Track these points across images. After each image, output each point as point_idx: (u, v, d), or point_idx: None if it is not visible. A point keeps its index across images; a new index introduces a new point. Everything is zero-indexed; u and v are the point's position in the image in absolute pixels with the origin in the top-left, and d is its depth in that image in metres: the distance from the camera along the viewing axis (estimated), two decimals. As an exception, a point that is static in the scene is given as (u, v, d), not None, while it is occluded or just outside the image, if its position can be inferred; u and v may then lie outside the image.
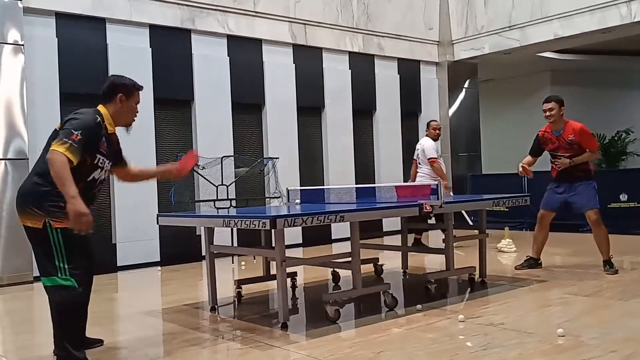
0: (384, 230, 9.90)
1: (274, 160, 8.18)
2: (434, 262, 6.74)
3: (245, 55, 8.81)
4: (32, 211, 3.29)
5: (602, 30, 9.53)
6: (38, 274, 6.07)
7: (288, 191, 6.04)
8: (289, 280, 5.18)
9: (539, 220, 6.06)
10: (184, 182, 7.82)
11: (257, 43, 8.98)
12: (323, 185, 9.13)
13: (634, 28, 9.44)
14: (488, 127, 13.32)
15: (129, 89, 3.61)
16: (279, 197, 7.79)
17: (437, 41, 11.43)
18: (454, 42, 11.40)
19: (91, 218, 3.17)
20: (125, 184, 7.53)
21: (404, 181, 9.58)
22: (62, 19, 7.29)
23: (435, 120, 8.49)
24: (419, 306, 4.57)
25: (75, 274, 3.32)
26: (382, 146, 10.49)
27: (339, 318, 4.25)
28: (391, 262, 6.48)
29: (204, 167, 7.60)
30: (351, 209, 4.43)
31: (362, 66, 10.27)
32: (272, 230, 4.04)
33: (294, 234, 8.41)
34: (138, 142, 7.54)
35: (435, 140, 8.13)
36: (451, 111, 11.48)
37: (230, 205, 7.90)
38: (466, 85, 11.78)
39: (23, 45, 6.87)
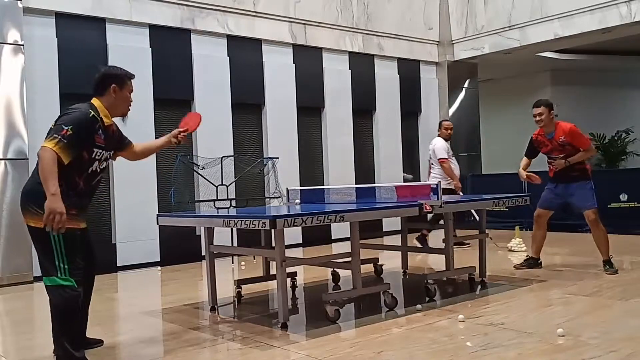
0: (384, 230, 9.90)
1: (274, 160, 8.18)
2: (434, 262, 6.74)
3: (245, 55, 8.81)
4: (34, 210, 3.28)
5: (602, 30, 9.54)
6: (38, 274, 6.07)
7: (288, 191, 6.04)
8: (289, 280, 5.18)
9: (536, 219, 6.08)
10: (183, 182, 7.83)
11: (257, 43, 8.98)
12: (323, 185, 9.13)
13: (634, 28, 9.44)
14: (488, 127, 13.32)
15: (121, 78, 3.60)
16: (279, 197, 7.79)
17: (437, 41, 11.43)
18: (453, 42, 11.40)
19: (65, 218, 3.16)
20: (124, 184, 7.58)
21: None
22: (62, 19, 7.29)
23: (447, 120, 8.49)
24: (419, 306, 4.57)
25: (75, 274, 3.32)
26: (382, 146, 10.49)
27: (339, 318, 4.25)
28: (391, 262, 6.47)
29: (204, 167, 7.61)
30: (351, 209, 4.42)
31: (362, 66, 10.27)
32: (272, 230, 4.04)
33: (294, 234, 8.41)
34: (138, 142, 7.56)
35: (447, 140, 8.14)
36: (451, 111, 11.47)
37: (230, 205, 7.90)
38: (466, 85, 11.78)
39: (23, 45, 6.87)
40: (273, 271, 4.72)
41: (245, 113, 8.91)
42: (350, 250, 4.55)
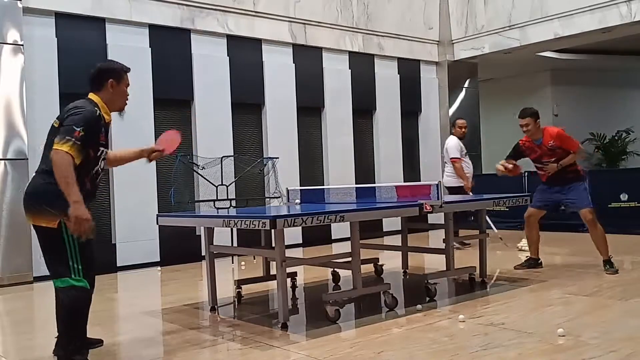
0: (384, 230, 9.90)
1: (274, 160, 8.18)
2: (434, 262, 6.73)
3: (245, 55, 8.80)
4: (48, 211, 3.22)
5: (602, 30, 9.53)
6: (38, 274, 6.08)
7: (288, 191, 6.03)
8: (289, 280, 5.17)
9: (527, 219, 6.09)
10: (183, 182, 7.83)
11: (257, 43, 8.98)
12: (323, 185, 9.13)
13: (634, 27, 9.44)
14: (488, 127, 13.32)
15: (118, 73, 3.56)
16: (279, 197, 7.79)
17: (437, 41, 11.43)
18: (454, 41, 11.40)
19: (93, 224, 3.16)
20: (124, 184, 7.57)
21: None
22: (62, 19, 7.28)
23: (461, 119, 8.46)
24: (419, 306, 4.56)
25: (87, 274, 3.31)
26: (382, 146, 10.48)
27: (339, 318, 4.25)
28: (391, 262, 6.47)
29: (203, 167, 7.61)
30: (351, 209, 4.42)
31: (362, 66, 10.26)
32: (272, 230, 4.04)
33: (294, 234, 8.41)
34: (138, 142, 7.52)
35: (461, 138, 8.13)
36: (451, 111, 11.47)
37: (230, 205, 7.90)
38: (466, 84, 11.77)
39: (22, 45, 6.86)
40: (273, 271, 4.72)
41: (245, 113, 8.91)
42: (350, 250, 4.55)
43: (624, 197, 9.19)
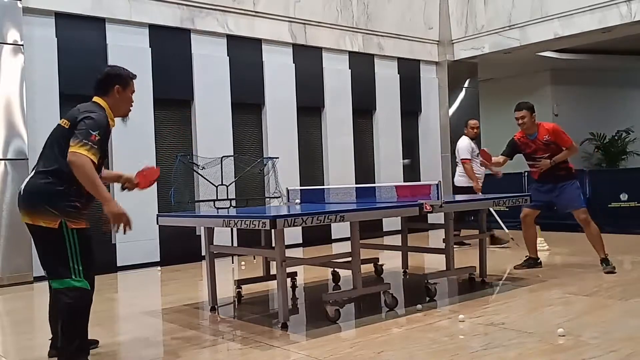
0: (384, 230, 9.90)
1: (274, 160, 8.18)
2: (434, 262, 6.73)
3: (245, 55, 8.80)
4: (48, 211, 3.22)
5: (602, 30, 9.53)
6: (38, 274, 6.07)
7: (288, 191, 6.03)
8: (289, 280, 5.17)
9: (523, 220, 6.11)
10: (183, 182, 7.83)
11: (256, 43, 8.98)
12: (323, 185, 9.13)
13: (634, 27, 9.43)
14: (488, 127, 13.30)
15: (124, 79, 3.57)
16: (279, 197, 7.79)
17: (437, 41, 11.43)
18: (453, 41, 11.40)
19: (130, 217, 3.28)
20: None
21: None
22: (62, 19, 7.28)
23: (474, 119, 8.44)
24: (419, 306, 4.57)
25: (87, 275, 3.31)
26: (382, 146, 10.48)
27: (339, 318, 4.25)
28: (391, 262, 6.47)
29: (203, 167, 7.61)
30: (351, 209, 4.42)
31: (362, 66, 10.26)
32: (272, 230, 4.04)
33: (294, 234, 8.41)
34: (138, 142, 7.57)
35: (473, 139, 8.13)
36: (451, 111, 11.47)
37: (230, 205, 7.90)
38: (466, 84, 11.77)
39: (22, 45, 6.86)
40: (273, 271, 4.72)
41: (245, 113, 8.91)
42: (350, 250, 4.55)
43: (623, 197, 9.19)
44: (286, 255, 4.19)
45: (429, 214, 4.89)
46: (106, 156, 3.49)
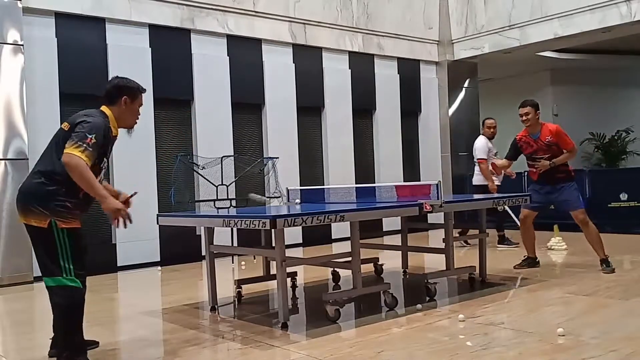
0: (384, 230, 9.90)
1: (274, 160, 8.18)
2: (434, 262, 6.73)
3: (245, 55, 8.80)
4: (38, 210, 3.27)
5: (602, 30, 9.53)
6: (38, 274, 6.06)
7: (288, 191, 6.04)
8: (289, 280, 5.17)
9: (522, 221, 6.12)
10: (183, 182, 7.83)
11: (256, 43, 8.98)
12: (323, 185, 9.13)
13: (634, 27, 9.44)
14: (488, 127, 13.31)
15: (134, 91, 3.60)
16: (279, 197, 7.79)
17: (437, 40, 11.43)
18: (453, 41, 11.40)
19: (128, 211, 3.32)
20: (124, 184, 7.55)
21: None
22: (62, 19, 7.28)
23: (490, 118, 8.41)
24: (419, 306, 4.57)
25: (80, 274, 3.32)
26: (382, 146, 10.49)
27: (339, 318, 4.25)
28: (391, 261, 6.47)
29: (204, 167, 7.61)
30: (351, 208, 4.43)
31: (362, 66, 10.26)
32: (272, 230, 4.04)
33: (294, 234, 8.41)
34: (138, 142, 7.55)
35: (491, 138, 8.12)
36: (451, 111, 11.47)
37: (230, 205, 7.90)
38: (466, 84, 11.77)
39: (22, 45, 6.86)
40: (273, 271, 4.73)
41: (245, 113, 8.91)
42: (350, 250, 4.55)
43: (623, 196, 9.19)
44: (286, 255, 4.18)
45: (428, 214, 4.89)
46: (104, 161, 3.49)
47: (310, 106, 9.58)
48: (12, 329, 4.89)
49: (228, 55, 8.64)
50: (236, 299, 5.13)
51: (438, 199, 4.74)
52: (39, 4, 7.06)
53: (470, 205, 6.13)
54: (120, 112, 3.56)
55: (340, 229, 8.16)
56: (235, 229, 6.97)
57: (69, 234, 3.27)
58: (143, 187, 7.67)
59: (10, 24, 6.80)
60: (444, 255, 5.27)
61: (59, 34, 7.25)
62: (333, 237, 9.27)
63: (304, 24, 9.44)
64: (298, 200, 5.76)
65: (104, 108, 3.54)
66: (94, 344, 3.83)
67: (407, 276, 6.12)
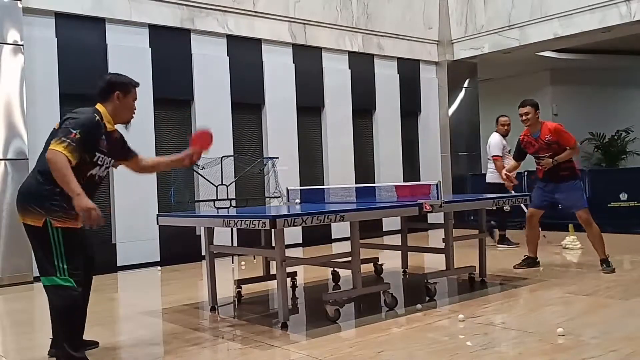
0: (384, 229, 9.90)
1: (274, 160, 8.17)
2: (433, 262, 6.73)
3: (244, 55, 8.81)
4: (34, 209, 3.29)
5: (602, 30, 9.53)
6: (38, 274, 6.08)
7: (288, 191, 6.04)
8: (289, 280, 5.18)
9: (528, 220, 6.12)
10: (183, 182, 7.83)
11: (256, 43, 8.98)
12: (323, 185, 9.13)
13: (634, 27, 9.44)
14: (488, 127, 13.29)
15: (126, 86, 3.61)
16: (279, 197, 7.79)
17: (437, 40, 11.43)
18: (453, 41, 11.40)
19: (99, 212, 3.21)
20: (124, 184, 7.57)
21: None
22: (62, 19, 7.28)
23: (505, 116, 8.36)
24: (419, 306, 4.57)
25: (75, 274, 3.31)
26: (382, 146, 10.49)
27: (339, 318, 4.25)
28: (391, 261, 6.47)
29: (203, 167, 7.60)
30: (351, 208, 4.43)
31: (361, 66, 10.27)
32: (272, 230, 4.04)
33: (294, 234, 8.41)
34: (138, 142, 7.48)
35: (505, 135, 8.11)
36: (451, 111, 11.48)
37: (230, 205, 7.90)
38: (466, 84, 11.77)
39: (22, 45, 6.86)
40: (273, 271, 4.73)
41: (245, 113, 8.91)
42: (350, 250, 4.55)
43: (623, 196, 9.20)
44: (286, 255, 4.18)
45: (428, 214, 4.89)
46: (101, 157, 3.47)
47: (310, 106, 9.58)
48: (12, 329, 4.89)
49: (228, 55, 8.64)
50: (236, 299, 5.13)
51: (438, 199, 4.74)
52: (39, 4, 7.06)
53: (470, 205, 6.14)
54: (115, 108, 3.56)
55: (340, 229, 8.16)
56: (235, 229, 6.97)
57: (63, 233, 3.27)
58: (143, 187, 7.70)
59: (10, 24, 6.80)
60: (443, 255, 5.28)
61: (59, 34, 7.26)
62: (333, 237, 9.27)
63: (304, 24, 9.44)
64: (298, 200, 5.76)
65: (98, 106, 3.54)
66: (94, 344, 3.83)
67: (407, 276, 6.12)
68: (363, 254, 4.71)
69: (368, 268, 5.89)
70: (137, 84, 3.68)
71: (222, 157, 7.75)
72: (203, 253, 5.76)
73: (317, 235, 8.89)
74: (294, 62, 9.36)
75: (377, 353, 3.47)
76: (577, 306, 4.52)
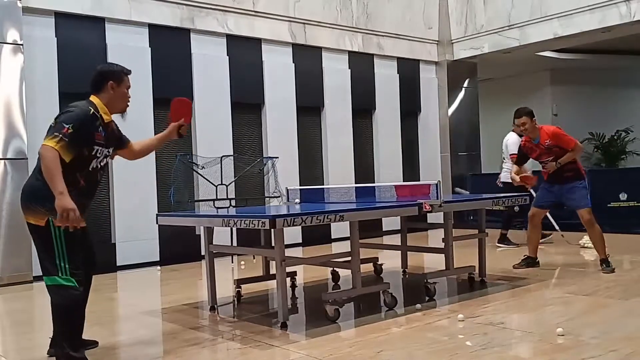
0: (384, 229, 9.90)
1: (274, 159, 8.17)
2: (433, 262, 6.73)
3: (244, 54, 8.80)
4: (36, 208, 3.28)
5: (602, 30, 9.53)
6: (38, 274, 6.08)
7: (288, 191, 6.03)
8: (288, 279, 5.18)
9: (531, 219, 6.12)
10: (183, 182, 7.82)
11: (256, 42, 8.98)
12: (323, 185, 9.13)
13: (634, 27, 9.44)
14: (487, 127, 13.31)
15: (118, 75, 3.59)
16: (279, 196, 7.79)
17: (437, 40, 11.43)
18: (453, 41, 11.40)
19: (78, 213, 3.17)
20: (124, 183, 7.57)
21: None
22: (62, 18, 7.28)
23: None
24: (418, 305, 4.57)
25: (76, 273, 3.31)
26: (381, 146, 10.49)
27: (339, 317, 4.25)
28: (391, 261, 6.47)
29: (203, 167, 7.60)
30: (350, 208, 4.42)
31: (361, 65, 10.26)
32: (272, 229, 4.04)
33: (293, 234, 8.40)
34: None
35: (521, 135, 8.12)
36: (451, 110, 11.47)
37: (230, 204, 7.90)
38: (466, 84, 11.77)
39: (22, 45, 6.86)
40: (273, 271, 4.72)
41: (244, 112, 8.91)
42: (350, 250, 4.55)
43: (623, 196, 9.20)
44: (286, 254, 4.18)
45: (428, 214, 4.89)
46: (99, 150, 3.46)
47: (310, 106, 9.58)
48: (11, 329, 4.89)
49: (228, 55, 8.64)
50: (235, 299, 5.13)
51: (437, 198, 4.74)
52: (39, 3, 7.06)
53: (469, 205, 6.14)
54: (109, 98, 3.54)
55: (339, 228, 8.15)
56: (234, 229, 6.96)
57: (66, 232, 3.26)
58: (142, 186, 7.70)
59: (10, 24, 6.80)
60: (443, 255, 5.28)
61: (58, 33, 7.25)
62: (332, 237, 9.27)
63: (304, 23, 9.44)
64: (297, 200, 5.76)
65: (92, 98, 3.52)
66: (93, 343, 3.83)
67: (407, 276, 6.12)
68: (363, 254, 4.70)
69: (368, 268, 5.89)
70: (128, 72, 3.66)
71: (221, 157, 7.75)
72: (203, 253, 5.76)
73: (316, 235, 8.89)
74: (293, 62, 9.36)
75: (377, 353, 3.47)
76: (576, 306, 4.52)
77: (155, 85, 7.86)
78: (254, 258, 7.67)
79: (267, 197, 8.18)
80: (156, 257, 7.83)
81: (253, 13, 8.85)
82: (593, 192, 6.06)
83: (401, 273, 6.19)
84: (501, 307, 4.53)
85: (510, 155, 8.01)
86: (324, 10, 9.69)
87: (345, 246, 4.74)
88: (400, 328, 4.07)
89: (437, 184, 4.83)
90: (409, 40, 10.98)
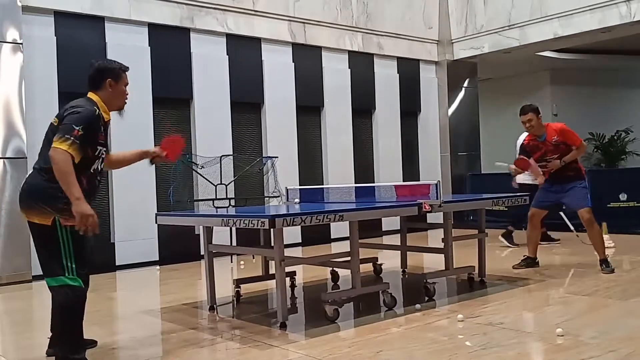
0: (383, 229, 9.90)
1: (273, 159, 8.17)
2: (433, 262, 6.73)
3: (244, 54, 8.80)
4: (42, 208, 3.23)
5: (602, 30, 9.53)
6: (37, 273, 6.06)
7: (287, 190, 6.03)
8: (288, 279, 5.17)
9: (530, 219, 6.12)
10: (182, 181, 7.82)
11: (256, 42, 8.97)
12: (322, 184, 9.12)
13: (634, 27, 9.43)
14: (487, 127, 13.32)
15: (116, 72, 3.54)
16: (278, 196, 7.78)
17: (437, 40, 11.42)
18: (453, 41, 11.39)
19: (97, 218, 3.17)
20: (123, 183, 7.56)
21: None
22: (61, 17, 7.27)
23: None
24: (418, 305, 4.56)
25: (81, 273, 3.30)
26: (381, 145, 10.48)
27: (338, 317, 4.25)
28: (390, 261, 6.47)
29: (202, 166, 7.60)
30: (350, 208, 4.42)
31: (361, 65, 10.26)
32: (271, 229, 4.03)
33: (293, 233, 8.39)
34: (137, 141, 7.52)
35: None
36: (450, 110, 11.47)
37: (229, 204, 7.89)
38: (465, 84, 11.76)
39: (22, 44, 6.85)
40: (272, 270, 4.72)
41: (244, 112, 8.90)
42: (349, 250, 4.54)
43: (623, 197, 9.19)
44: (285, 254, 4.18)
45: (427, 214, 4.88)
46: (100, 150, 3.44)
47: (309, 106, 9.57)
48: (10, 328, 4.88)
49: (227, 55, 8.64)
50: (235, 299, 5.13)
51: (437, 198, 4.74)
52: (38, 2, 7.05)
53: (469, 205, 6.13)
54: (108, 96, 3.50)
55: (339, 228, 8.15)
56: (234, 229, 6.97)
57: (72, 231, 3.24)
58: (142, 186, 7.69)
59: (9, 23, 6.79)
60: (443, 255, 5.27)
61: (58, 32, 7.25)
62: (332, 237, 9.26)
63: (304, 23, 9.43)
64: (297, 200, 5.75)
65: (90, 95, 3.48)
66: (92, 343, 3.82)
67: (406, 276, 6.12)
68: (362, 254, 4.70)
69: (367, 268, 5.89)
70: (126, 68, 3.62)
71: (221, 156, 7.74)
72: (202, 252, 5.74)
73: (316, 235, 8.88)
74: (293, 62, 9.35)
75: (376, 353, 3.46)
76: (576, 306, 4.52)
77: (154, 85, 7.85)
78: (253, 258, 7.66)
79: (267, 196, 8.18)
80: (155, 257, 7.82)
81: (253, 12, 8.84)
82: (593, 193, 6.05)
83: (401, 273, 6.19)
84: (501, 307, 4.53)
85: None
86: (324, 9, 9.68)
87: (345, 246, 4.74)
88: (399, 328, 4.07)
89: (436, 184, 4.83)
90: (409, 40, 10.97)
